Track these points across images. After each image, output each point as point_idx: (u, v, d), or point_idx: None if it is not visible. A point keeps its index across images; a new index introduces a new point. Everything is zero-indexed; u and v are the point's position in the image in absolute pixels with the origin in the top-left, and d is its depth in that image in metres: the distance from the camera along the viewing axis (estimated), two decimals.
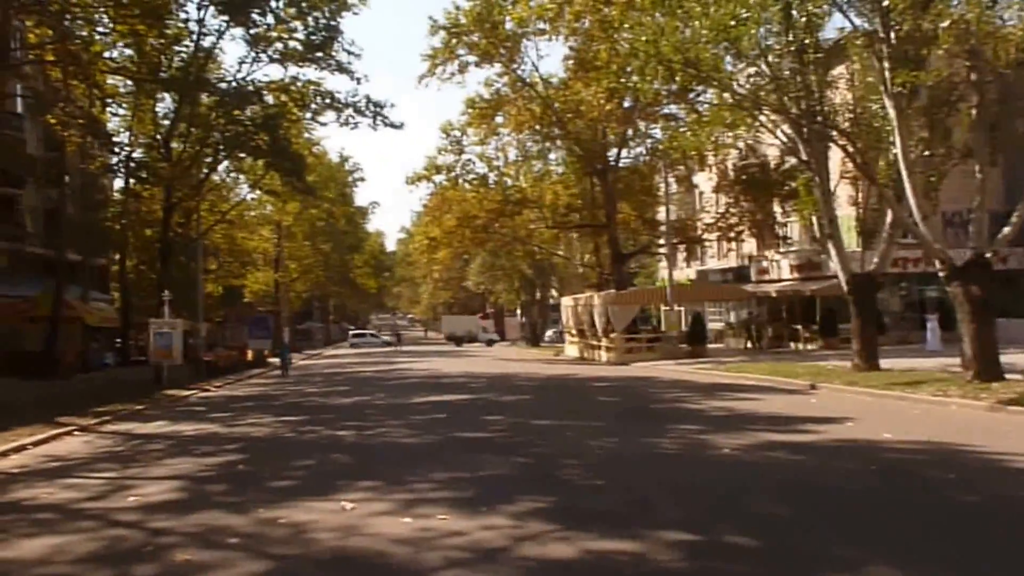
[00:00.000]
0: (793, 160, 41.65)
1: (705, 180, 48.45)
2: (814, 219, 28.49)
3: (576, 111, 42.43)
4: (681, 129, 39.32)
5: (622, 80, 31.01)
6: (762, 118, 27.05)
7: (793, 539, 7.16)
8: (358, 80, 32.97)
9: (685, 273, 55.04)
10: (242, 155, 35.75)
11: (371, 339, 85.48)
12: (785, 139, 27.65)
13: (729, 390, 22.03)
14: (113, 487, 10.46)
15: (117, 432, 16.92)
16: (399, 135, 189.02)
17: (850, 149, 25.24)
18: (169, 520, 8.33)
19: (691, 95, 37.45)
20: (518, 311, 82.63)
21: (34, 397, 23.59)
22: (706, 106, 36.42)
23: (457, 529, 7.60)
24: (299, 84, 34.48)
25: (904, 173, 21.46)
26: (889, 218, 25.47)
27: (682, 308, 43.86)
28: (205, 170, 36.83)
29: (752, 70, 25.98)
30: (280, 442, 14.45)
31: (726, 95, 26.01)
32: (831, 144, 26.73)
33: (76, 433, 16.52)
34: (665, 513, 8.21)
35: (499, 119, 45.48)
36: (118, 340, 43.66)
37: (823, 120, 25.32)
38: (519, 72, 44.00)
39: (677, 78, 24.66)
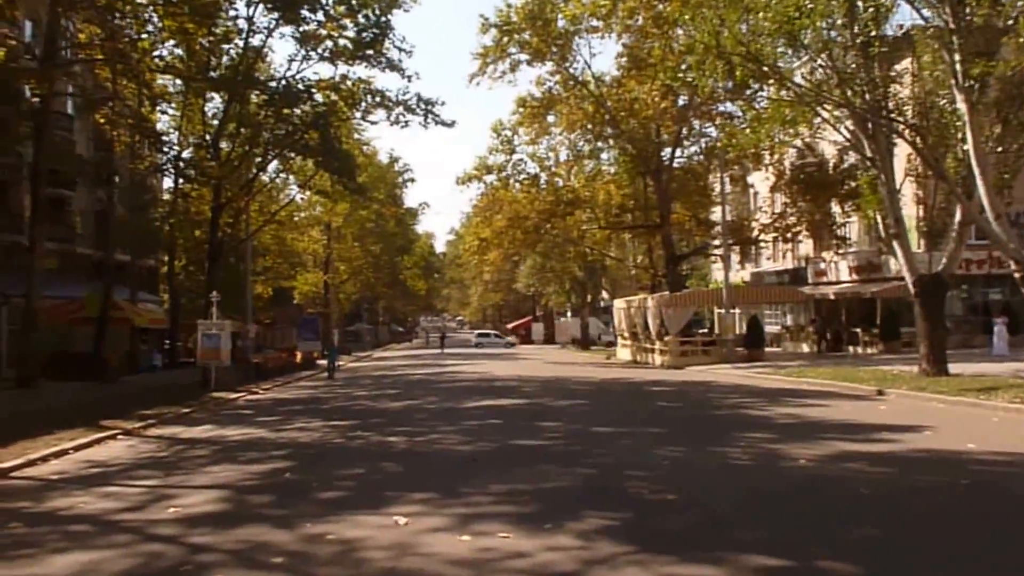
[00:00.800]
0: (853, 159, 40.85)
1: (761, 180, 47.43)
2: (878, 218, 27.56)
3: (629, 109, 41.69)
4: (740, 126, 38.59)
5: (679, 76, 30.21)
6: (824, 114, 26.18)
7: (894, 565, 6.41)
8: (408, 78, 32.53)
9: (739, 275, 53.86)
10: (291, 155, 35.47)
11: (494, 339, 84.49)
12: (848, 136, 26.64)
13: (792, 396, 21.19)
14: (153, 496, 9.97)
15: (162, 436, 16.55)
16: (449, 137, 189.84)
17: (919, 145, 24.33)
18: (210, 535, 7.80)
19: (748, 92, 36.78)
20: (568, 314, 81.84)
21: (80, 400, 23.49)
22: (764, 103, 35.80)
23: (520, 549, 6.96)
24: (349, 82, 34.11)
25: (976, 169, 20.56)
26: (958, 216, 24.45)
27: (738, 311, 42.80)
28: (254, 170, 36.60)
29: (814, 64, 25.20)
30: (328, 449, 13.93)
31: (785, 91, 25.37)
32: (896, 141, 25.89)
33: (120, 437, 16.18)
34: (747, 533, 7.47)
35: (551, 118, 45.00)
36: (167, 341, 43.81)
37: (890, 115, 24.37)
38: (571, 70, 43.42)
39: (737, 73, 23.97)
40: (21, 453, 13.35)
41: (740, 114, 40.83)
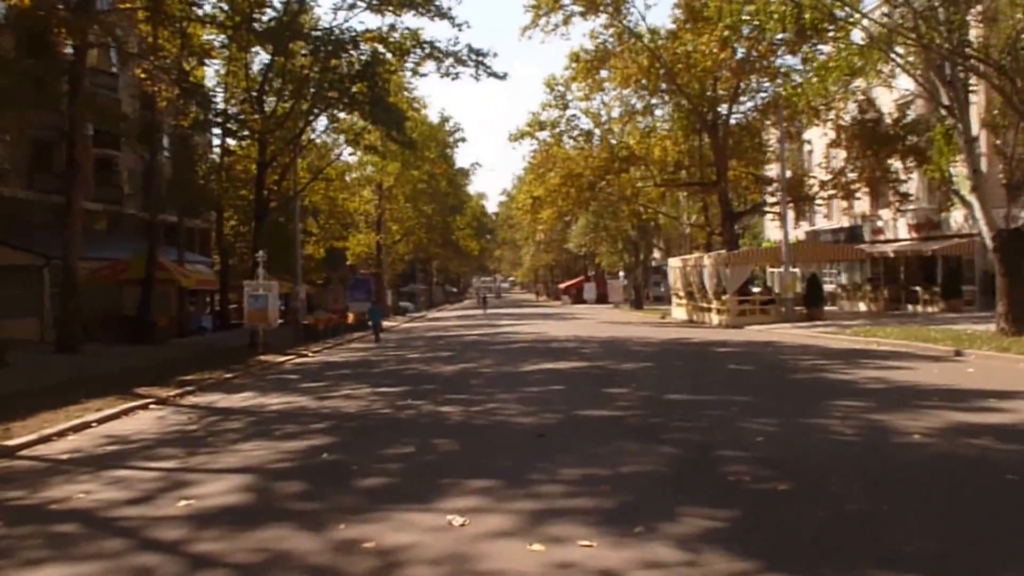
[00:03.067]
0: (915, 113, 38.26)
1: (818, 136, 44.85)
2: (952, 171, 25.39)
3: (686, 63, 39.35)
4: (799, 79, 36.27)
5: (743, 19, 28.05)
6: (897, 60, 23.95)
7: None
8: (459, 26, 30.37)
9: (793, 234, 51.32)
10: (339, 109, 33.75)
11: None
12: (923, 83, 24.33)
13: (867, 357, 19.24)
14: (167, 483, 8.41)
15: (197, 406, 15.12)
16: (499, 97, 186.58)
17: (1006, 89, 22.03)
18: (220, 539, 6.22)
19: (811, 43, 34.35)
20: (621, 273, 79.69)
21: (120, 364, 22.35)
22: (823, 55, 33.43)
23: (608, 567, 5.25)
24: (397, 34, 32.12)
25: None
26: None
27: (798, 270, 40.67)
28: (300, 124, 34.97)
29: (892, 4, 23.02)
30: (374, 421, 12.29)
31: (854, 38, 23.31)
32: (974, 87, 23.59)
33: (152, 407, 14.79)
34: (902, 539, 5.68)
35: (604, 73, 42.85)
36: (218, 303, 42.88)
37: (972, 57, 22.06)
38: (626, 23, 41.11)
39: (807, 16, 21.85)
40: (38, 427, 12.01)
41: (799, 67, 38.86)
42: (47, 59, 28.63)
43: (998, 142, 32.72)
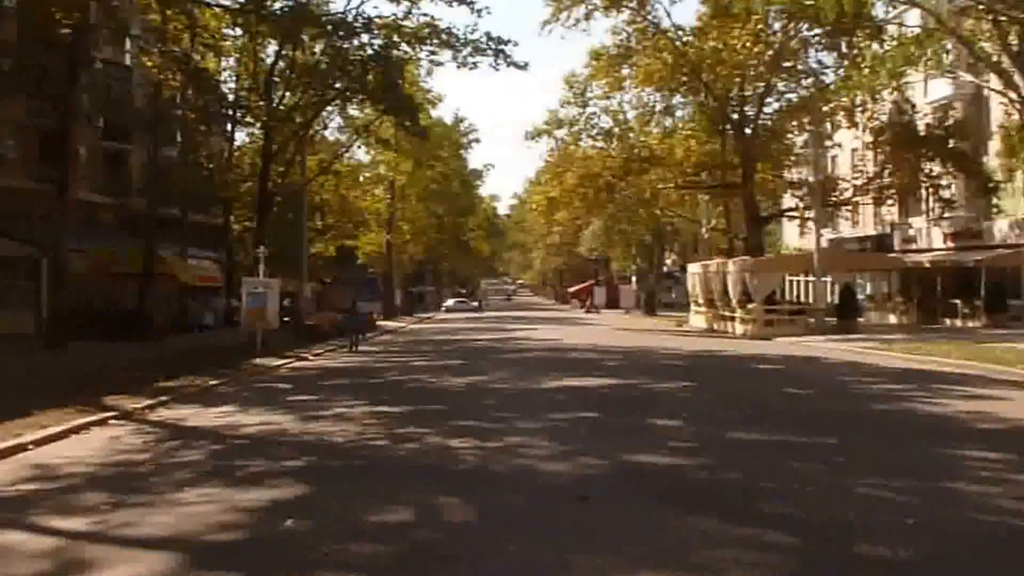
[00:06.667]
0: (957, 115, 35.47)
1: (849, 139, 41.95)
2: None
3: (714, 60, 36.48)
4: (840, 74, 33.62)
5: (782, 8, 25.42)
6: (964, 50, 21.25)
7: None
8: (479, 11, 27.44)
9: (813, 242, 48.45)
10: (350, 98, 31.02)
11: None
12: (992, 70, 21.55)
13: (938, 381, 16.14)
14: (63, 559, 5.61)
15: (162, 423, 12.29)
16: (512, 98, 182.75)
17: None
18: None
19: (850, 37, 31.79)
20: (632, 279, 76.73)
21: (103, 364, 19.62)
22: (858, 51, 30.79)
23: None
24: (412, 22, 29.32)
25: None
26: None
27: (829, 278, 37.81)
28: (309, 115, 32.23)
29: None
30: (365, 458, 9.37)
31: (906, 26, 20.70)
32: None
33: (111, 423, 12.02)
34: None
35: (626, 71, 39.98)
36: (228, 300, 40.22)
37: None
38: (650, 19, 38.31)
39: None
40: None
41: (831, 66, 36.17)
42: (49, 47, 26.15)
43: None
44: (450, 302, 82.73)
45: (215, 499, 7.37)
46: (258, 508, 7.04)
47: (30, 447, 10.11)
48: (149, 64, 30.48)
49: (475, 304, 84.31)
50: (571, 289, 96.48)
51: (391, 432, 10.94)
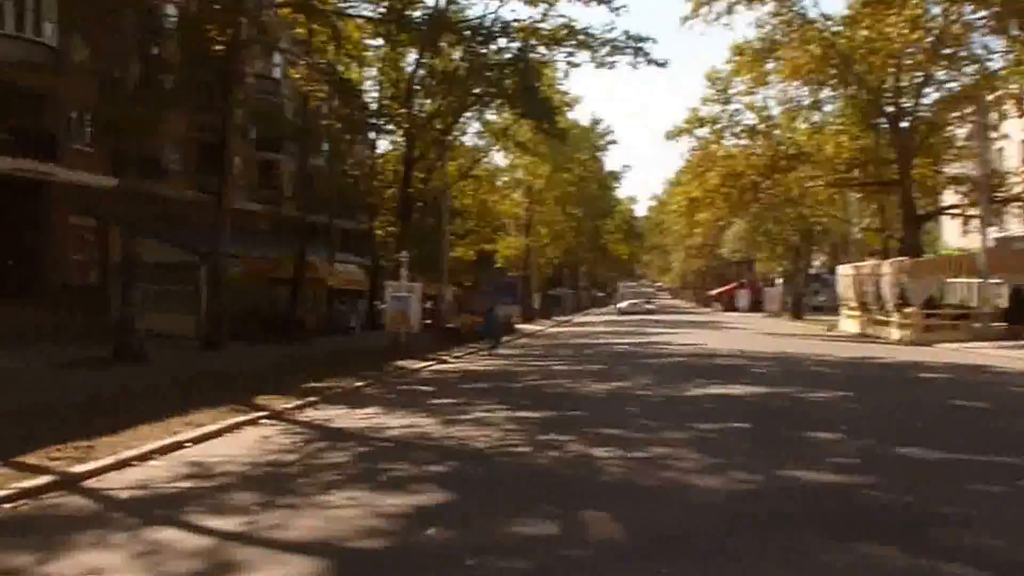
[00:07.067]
0: None
1: (1019, 129, 38.97)
2: None
3: (866, 50, 34.57)
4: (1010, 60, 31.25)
5: None
6: None
7: None
8: (616, 10, 27.01)
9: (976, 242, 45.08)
10: (488, 103, 31.29)
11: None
12: None
13: None
14: (213, 560, 5.69)
15: (311, 423, 12.55)
16: (649, 101, 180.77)
17: None
18: None
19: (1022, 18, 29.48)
20: (777, 281, 74.14)
21: (257, 365, 20.38)
22: None
23: None
24: (548, 24, 29.18)
25: None
26: None
27: (996, 280, 35.16)
28: (449, 120, 32.72)
29: None
30: (506, 466, 9.19)
31: None
32: None
33: (262, 422, 12.34)
34: None
35: (770, 65, 38.48)
36: (372, 303, 41.39)
37: None
38: (796, 8, 36.77)
39: None
40: (125, 445, 9.73)
41: (998, 51, 33.58)
42: (205, 63, 27.63)
43: None
44: (624, 304, 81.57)
45: (360, 503, 7.36)
46: (401, 514, 6.96)
47: (188, 444, 10.47)
48: (296, 76, 31.67)
49: (650, 307, 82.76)
50: (712, 292, 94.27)
51: (532, 438, 10.74)
